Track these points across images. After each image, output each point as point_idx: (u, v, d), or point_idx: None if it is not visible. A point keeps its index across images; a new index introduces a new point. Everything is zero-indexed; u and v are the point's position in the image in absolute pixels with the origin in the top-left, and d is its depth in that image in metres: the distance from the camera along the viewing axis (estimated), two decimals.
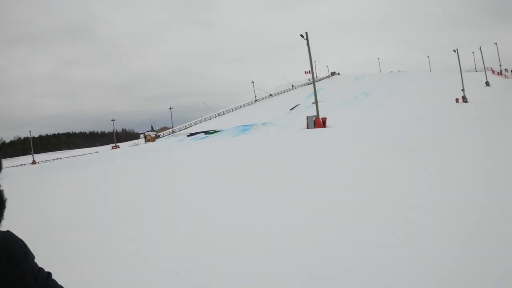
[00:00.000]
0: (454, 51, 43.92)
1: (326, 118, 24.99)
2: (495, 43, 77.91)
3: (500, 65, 61.92)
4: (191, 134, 43.74)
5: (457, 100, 36.47)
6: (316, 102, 27.40)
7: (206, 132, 40.78)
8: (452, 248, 3.49)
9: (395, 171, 7.10)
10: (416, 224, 4.26)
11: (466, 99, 36.69)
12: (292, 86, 78.26)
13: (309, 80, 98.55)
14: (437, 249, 3.50)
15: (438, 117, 18.41)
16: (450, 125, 14.11)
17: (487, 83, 47.44)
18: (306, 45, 28.40)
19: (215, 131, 39.72)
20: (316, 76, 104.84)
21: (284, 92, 74.22)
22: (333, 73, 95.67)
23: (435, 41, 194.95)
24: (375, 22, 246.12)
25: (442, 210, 4.65)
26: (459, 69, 40.40)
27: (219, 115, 64.83)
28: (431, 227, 4.11)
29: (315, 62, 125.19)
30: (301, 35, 27.94)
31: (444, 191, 5.52)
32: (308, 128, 24.64)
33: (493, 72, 60.29)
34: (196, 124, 60.24)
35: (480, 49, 55.94)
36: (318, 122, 24.55)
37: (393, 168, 7.31)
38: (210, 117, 63.98)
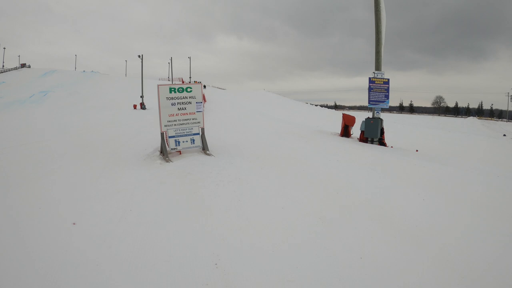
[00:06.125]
0: (139, 56, 42.84)
1: None
2: (189, 58, 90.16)
3: (190, 77, 69.92)
4: None
5: (134, 107, 34.80)
6: None
7: None
8: None
9: None
10: None
11: (144, 105, 35.88)
12: None
13: None
14: None
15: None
16: None
17: None
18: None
19: None
20: (3, 66, 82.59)
21: None
22: (23, 65, 78.66)
23: (133, 47, 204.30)
24: (79, 16, 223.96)
25: None
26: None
27: None
28: None
29: (4, 48, 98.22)
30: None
31: None
32: None
33: (183, 82, 66.98)
34: None
35: (171, 60, 59.93)
36: None
37: None
38: None
